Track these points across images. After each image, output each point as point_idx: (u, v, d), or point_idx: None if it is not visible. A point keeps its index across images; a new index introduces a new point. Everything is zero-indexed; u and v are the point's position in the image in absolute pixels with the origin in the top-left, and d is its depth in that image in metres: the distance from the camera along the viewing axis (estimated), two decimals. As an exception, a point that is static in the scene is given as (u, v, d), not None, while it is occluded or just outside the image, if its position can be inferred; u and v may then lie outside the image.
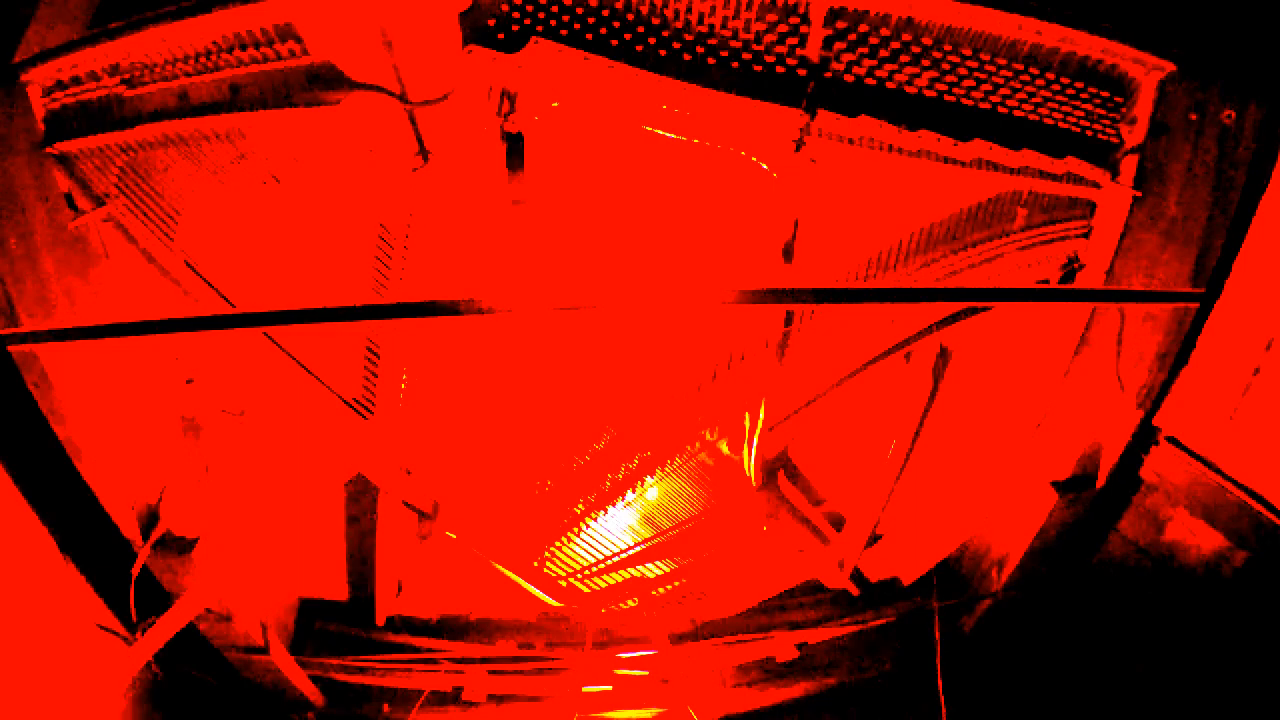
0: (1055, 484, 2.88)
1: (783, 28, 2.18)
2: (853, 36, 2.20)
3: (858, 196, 2.41)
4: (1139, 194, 2.41)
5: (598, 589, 2.95)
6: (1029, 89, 2.32)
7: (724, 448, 2.72)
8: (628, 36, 2.17)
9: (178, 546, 2.48)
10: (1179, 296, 2.32)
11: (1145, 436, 2.61)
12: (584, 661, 2.98)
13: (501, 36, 2.15)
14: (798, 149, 2.29)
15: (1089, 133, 2.39)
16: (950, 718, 2.91)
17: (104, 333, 2.10)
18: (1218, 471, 2.43)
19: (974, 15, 2.18)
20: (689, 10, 2.14)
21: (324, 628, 3.08)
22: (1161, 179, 2.39)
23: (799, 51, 2.21)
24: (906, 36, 2.21)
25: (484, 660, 3.03)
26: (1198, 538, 2.55)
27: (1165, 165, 2.38)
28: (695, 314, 2.55)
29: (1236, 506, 2.39)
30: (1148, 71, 2.29)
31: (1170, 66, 2.23)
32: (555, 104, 2.23)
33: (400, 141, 2.22)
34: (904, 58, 2.24)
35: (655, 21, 2.16)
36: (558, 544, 2.80)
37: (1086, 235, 2.53)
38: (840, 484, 2.96)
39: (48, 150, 2.14)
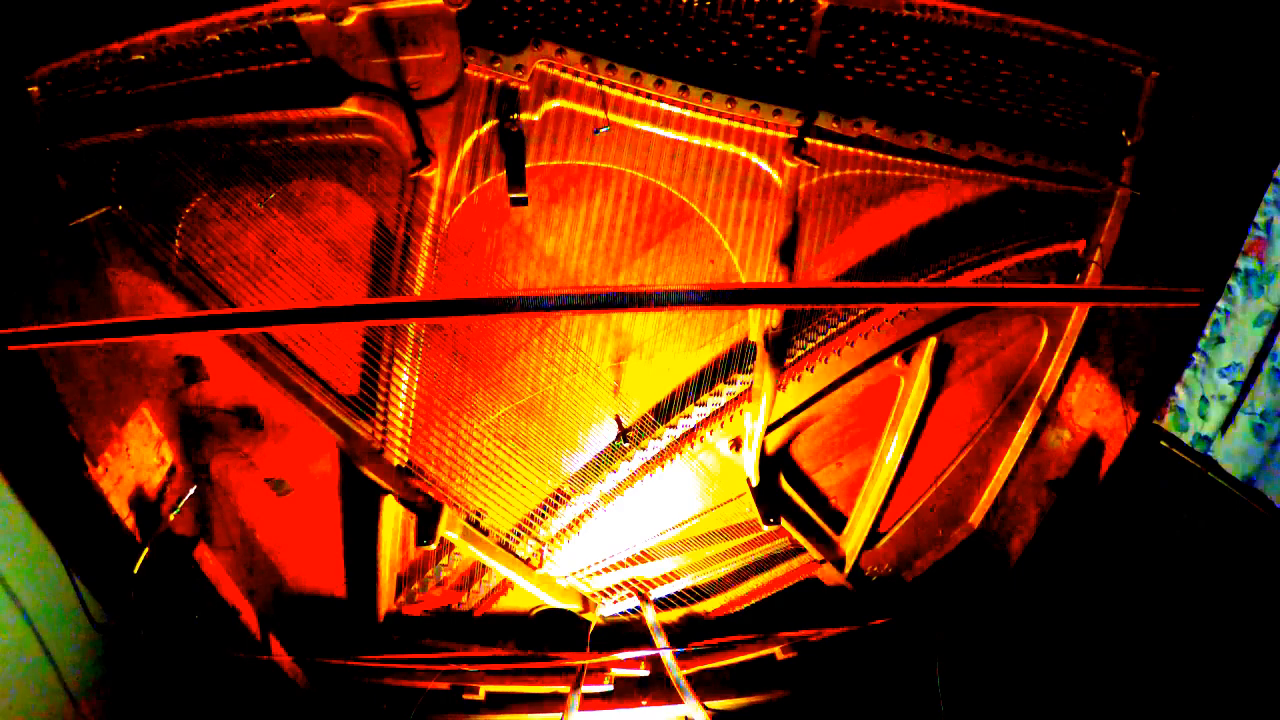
0: (1054, 483, 2.88)
1: (782, 28, 2.18)
2: (852, 36, 2.20)
3: (858, 196, 2.41)
4: (1139, 194, 2.41)
5: (598, 589, 2.96)
6: (1029, 89, 2.32)
7: (724, 448, 2.72)
8: (628, 36, 2.17)
9: (178, 546, 2.48)
10: (1179, 296, 2.32)
11: (1145, 436, 2.61)
12: (584, 661, 2.98)
13: (501, 36, 2.15)
14: (798, 149, 2.29)
15: (1089, 133, 2.39)
16: (950, 718, 2.91)
17: (104, 333, 2.10)
18: (1217, 471, 2.44)
19: (974, 15, 2.18)
20: (689, 10, 2.14)
21: (324, 628, 3.08)
22: (1162, 179, 2.40)
23: (799, 51, 2.21)
24: (906, 36, 2.22)
25: (484, 660, 3.03)
26: (1196, 535, 2.55)
27: (1166, 165, 2.39)
28: (695, 313, 2.55)
29: (1235, 505, 2.40)
30: (1148, 72, 2.30)
31: (1171, 67, 2.24)
32: (556, 104, 2.23)
33: (401, 141, 2.22)
34: (904, 57, 2.25)
35: (655, 22, 2.16)
36: (557, 543, 2.81)
37: (1087, 235, 2.53)
38: (840, 484, 2.96)
39: (47, 150, 2.14)
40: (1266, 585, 2.34)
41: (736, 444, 2.73)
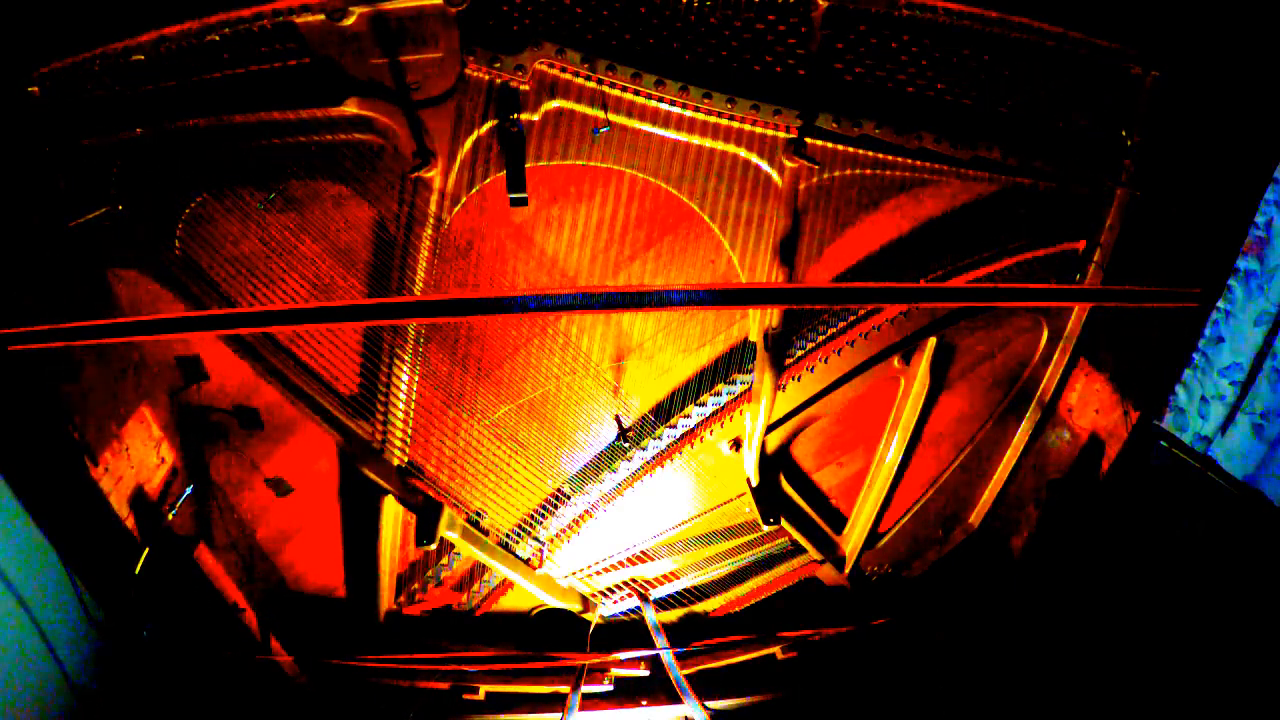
0: (1055, 482, 2.88)
1: (782, 28, 2.18)
2: (852, 36, 2.20)
3: (858, 196, 2.41)
4: (1139, 194, 2.41)
5: (598, 589, 2.96)
6: (1029, 89, 2.32)
7: (724, 448, 2.72)
8: (628, 37, 2.17)
9: (178, 546, 2.48)
10: (1179, 296, 2.32)
11: (1145, 436, 2.61)
12: (584, 661, 2.98)
13: (502, 37, 2.15)
14: (798, 149, 2.29)
15: (1090, 133, 2.39)
16: (949, 718, 2.91)
17: (104, 333, 2.10)
18: (1217, 471, 2.43)
19: (975, 16, 2.18)
20: (689, 10, 2.15)
21: (324, 627, 3.08)
22: (1162, 179, 2.40)
23: (799, 51, 2.21)
24: (906, 37, 2.22)
25: (484, 660, 3.03)
26: (1195, 536, 2.55)
27: (1165, 166, 2.39)
28: (695, 313, 2.55)
29: (1235, 505, 2.39)
30: (1147, 72, 2.30)
31: (1171, 69, 2.24)
32: (556, 104, 2.23)
33: (401, 141, 2.22)
34: (904, 58, 2.25)
35: (655, 22, 2.16)
36: (557, 543, 2.81)
37: (1087, 235, 2.53)
38: (840, 484, 2.96)
39: (47, 150, 2.14)
40: (1266, 585, 2.34)
41: (737, 444, 2.73)
